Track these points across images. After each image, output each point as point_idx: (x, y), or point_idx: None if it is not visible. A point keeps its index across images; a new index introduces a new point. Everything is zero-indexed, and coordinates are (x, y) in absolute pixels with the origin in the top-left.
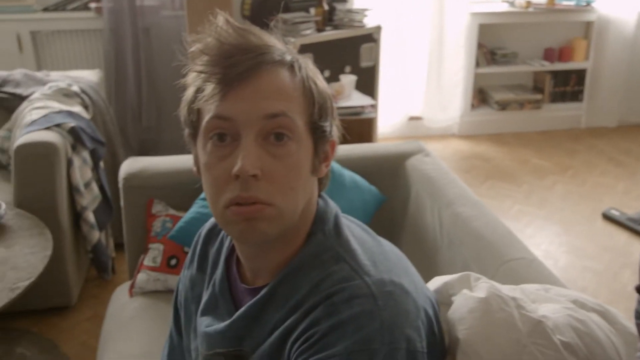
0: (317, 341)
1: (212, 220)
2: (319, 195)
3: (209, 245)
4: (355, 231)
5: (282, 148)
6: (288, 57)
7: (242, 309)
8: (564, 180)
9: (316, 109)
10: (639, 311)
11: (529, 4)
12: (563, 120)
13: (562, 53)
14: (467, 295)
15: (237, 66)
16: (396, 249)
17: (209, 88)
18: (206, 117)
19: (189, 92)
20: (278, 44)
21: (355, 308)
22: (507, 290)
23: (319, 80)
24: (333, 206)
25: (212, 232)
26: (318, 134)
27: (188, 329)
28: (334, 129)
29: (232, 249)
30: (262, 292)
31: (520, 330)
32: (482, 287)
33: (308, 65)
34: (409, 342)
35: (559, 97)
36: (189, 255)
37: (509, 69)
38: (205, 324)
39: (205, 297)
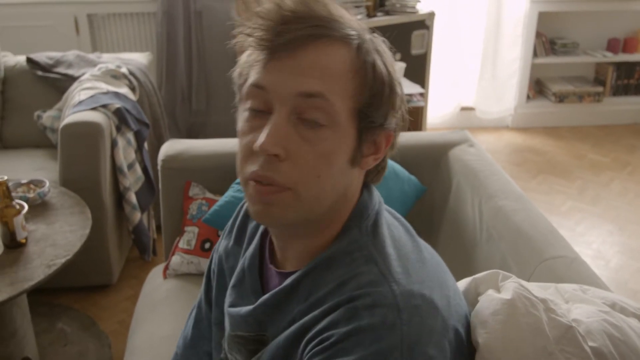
0: (332, 345)
1: None
2: (364, 185)
3: (249, 219)
4: (396, 232)
5: (315, 132)
6: (352, 34)
7: (266, 296)
8: (621, 177)
9: (367, 96)
10: None
11: None
12: (625, 115)
13: (626, 44)
14: (492, 296)
15: (284, 35)
16: (437, 257)
17: (255, 54)
18: (247, 83)
19: (243, 56)
20: (347, 18)
21: (376, 317)
22: (537, 290)
23: (383, 65)
24: (377, 200)
25: None
26: (364, 123)
27: (219, 301)
28: (391, 120)
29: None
30: (287, 281)
31: (548, 336)
32: (509, 287)
33: (377, 47)
34: None
35: (621, 90)
36: (229, 225)
37: (569, 59)
38: (229, 302)
39: (236, 271)
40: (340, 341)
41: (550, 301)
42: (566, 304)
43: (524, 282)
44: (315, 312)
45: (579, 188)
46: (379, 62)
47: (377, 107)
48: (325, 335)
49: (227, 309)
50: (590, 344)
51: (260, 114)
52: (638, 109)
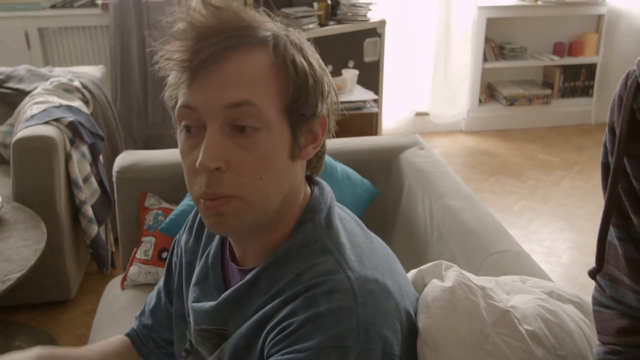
0: (292, 332)
1: None
2: (315, 182)
3: None
4: (348, 224)
5: (249, 138)
6: (267, 36)
7: (227, 292)
8: (570, 176)
9: (292, 91)
10: (596, 298)
11: None
12: (573, 116)
13: (572, 47)
14: (434, 284)
15: (201, 53)
16: (387, 247)
17: (179, 75)
18: (177, 105)
19: (170, 78)
20: (260, 21)
21: (333, 302)
22: (478, 280)
23: (302, 58)
24: (328, 195)
25: None
26: (295, 117)
27: (180, 292)
28: (322, 107)
29: None
30: (247, 277)
31: (485, 319)
32: (450, 275)
33: (294, 42)
34: (385, 343)
35: (569, 92)
36: (189, 220)
37: (518, 63)
38: (193, 297)
39: (197, 268)
40: (300, 327)
41: (489, 289)
42: (506, 295)
43: (465, 272)
44: (276, 302)
45: (531, 188)
46: (297, 56)
47: (304, 100)
48: (285, 323)
49: (191, 304)
50: (526, 327)
51: (196, 132)
52: (585, 110)
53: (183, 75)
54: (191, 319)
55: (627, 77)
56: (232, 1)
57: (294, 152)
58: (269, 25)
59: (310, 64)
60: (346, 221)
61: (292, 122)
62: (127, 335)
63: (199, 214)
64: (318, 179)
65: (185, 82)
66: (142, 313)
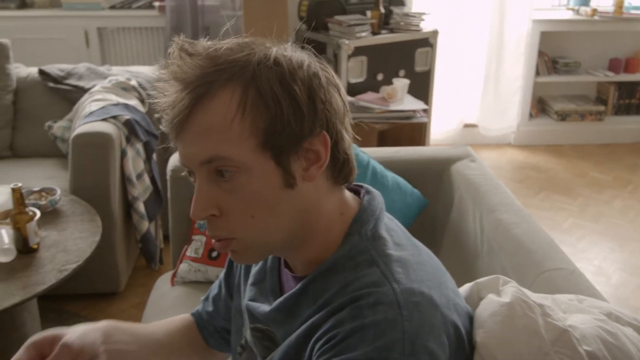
0: (338, 342)
1: None
2: (366, 191)
3: None
4: (396, 236)
5: (230, 183)
6: (232, 75)
7: (279, 300)
8: (623, 195)
9: (265, 125)
10: None
11: (594, 12)
12: (626, 134)
13: (628, 64)
14: (491, 299)
15: (175, 115)
16: (436, 260)
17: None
18: None
19: None
20: (226, 56)
21: (378, 314)
22: (535, 297)
23: (280, 86)
24: (378, 206)
25: None
26: (276, 150)
27: (239, 290)
28: (315, 126)
29: None
30: (296, 288)
31: (543, 337)
32: (508, 291)
33: (269, 64)
34: (431, 356)
35: (623, 109)
36: None
37: (571, 78)
38: (250, 296)
39: (255, 268)
40: (346, 338)
41: (547, 307)
42: (563, 314)
43: (524, 289)
44: (322, 312)
45: (581, 205)
46: (270, 86)
47: (282, 129)
48: (331, 333)
49: (247, 303)
50: (585, 347)
51: (194, 179)
52: (639, 128)
53: (170, 133)
54: (246, 317)
55: None
56: (214, 41)
57: (287, 181)
58: (238, 55)
59: (288, 87)
60: (394, 233)
61: (275, 154)
62: (192, 315)
63: None
64: (369, 188)
65: (173, 140)
66: (207, 298)
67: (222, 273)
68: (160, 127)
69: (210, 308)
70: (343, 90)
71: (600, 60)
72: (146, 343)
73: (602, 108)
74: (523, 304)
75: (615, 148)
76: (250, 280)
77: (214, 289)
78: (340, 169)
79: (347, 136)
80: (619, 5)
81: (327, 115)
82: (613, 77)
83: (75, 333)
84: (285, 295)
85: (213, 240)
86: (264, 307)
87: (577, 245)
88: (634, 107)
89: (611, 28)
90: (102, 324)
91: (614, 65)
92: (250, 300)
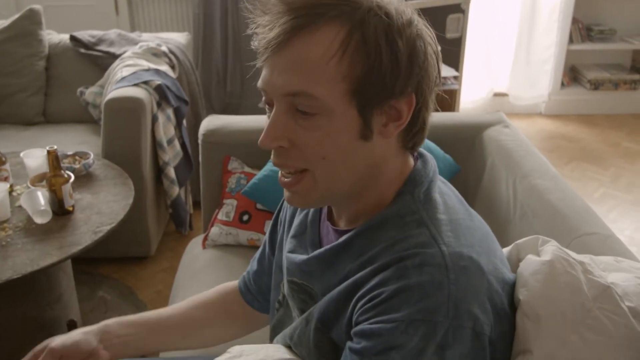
0: (381, 302)
1: None
2: (420, 155)
3: None
4: (449, 200)
5: (310, 121)
6: (342, 13)
7: (319, 250)
8: None
9: (361, 73)
10: None
11: None
12: None
13: None
14: (532, 259)
15: (272, 31)
16: (487, 227)
17: (260, 52)
18: None
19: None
20: None
21: (424, 276)
22: (576, 255)
23: (385, 36)
24: (431, 169)
25: None
26: (364, 100)
27: (282, 245)
28: (407, 86)
29: None
30: (340, 240)
31: (586, 294)
32: (548, 250)
33: (380, 15)
34: (475, 322)
35: None
36: None
37: (606, 46)
38: (289, 248)
39: (296, 221)
40: (390, 298)
41: (587, 264)
42: (603, 272)
43: (563, 248)
44: (367, 270)
45: (613, 175)
46: (376, 35)
47: (376, 82)
48: (375, 292)
49: (287, 254)
50: (628, 303)
51: (270, 109)
52: None
53: (262, 54)
54: (284, 269)
55: None
56: None
57: (365, 133)
58: None
59: (393, 42)
60: (448, 196)
61: (361, 104)
62: (239, 282)
63: None
64: (423, 151)
65: (263, 61)
66: (254, 259)
67: (267, 232)
68: (252, 44)
69: (256, 267)
70: (440, 59)
71: (637, 27)
72: (158, 324)
73: (637, 77)
74: (564, 262)
75: None
76: (292, 232)
77: (259, 250)
78: (414, 135)
79: (431, 106)
80: None
81: (420, 80)
82: None
83: (61, 338)
84: (327, 247)
85: (281, 177)
86: (302, 257)
87: (608, 215)
88: None
89: None
90: (99, 325)
91: None
92: (290, 252)
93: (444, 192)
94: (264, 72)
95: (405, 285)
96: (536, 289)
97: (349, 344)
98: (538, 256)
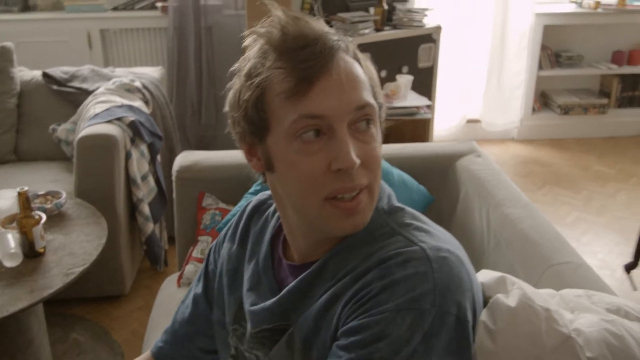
0: (368, 300)
1: (258, 197)
2: None
3: (252, 223)
4: (409, 210)
5: (368, 133)
6: (342, 41)
7: (292, 283)
8: (627, 188)
9: (376, 90)
10: None
11: (597, 4)
12: (630, 126)
13: (631, 56)
14: (498, 300)
15: (314, 59)
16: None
17: (287, 85)
18: (291, 116)
19: (250, 91)
20: (330, 28)
21: (409, 269)
22: (542, 299)
23: (363, 58)
24: (385, 186)
25: (257, 210)
26: (382, 114)
27: (220, 302)
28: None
29: (278, 230)
30: (313, 266)
31: (544, 345)
32: (515, 294)
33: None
34: (459, 309)
35: (626, 102)
36: (230, 229)
37: (574, 72)
38: (250, 302)
39: (247, 275)
40: (377, 295)
41: (554, 311)
42: (571, 314)
43: (531, 290)
44: (345, 279)
45: (585, 199)
46: (361, 56)
47: (379, 96)
48: (361, 294)
49: (249, 309)
50: (588, 354)
51: (317, 139)
52: None
53: (298, 85)
54: (248, 323)
55: None
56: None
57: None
58: (332, 30)
59: (368, 63)
60: (409, 208)
61: (380, 115)
62: (154, 354)
63: (242, 222)
64: None
65: (301, 91)
66: (174, 325)
67: (193, 291)
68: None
69: (185, 331)
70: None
71: (603, 53)
72: None
73: (605, 101)
74: (528, 309)
75: (619, 141)
76: (246, 286)
77: (183, 312)
78: None
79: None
80: None
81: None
82: (616, 69)
83: None
84: (299, 277)
85: (333, 201)
86: (272, 300)
87: (581, 239)
88: (637, 99)
89: (614, 20)
90: None
91: (617, 58)
92: (252, 305)
93: (403, 205)
94: (310, 101)
95: (391, 280)
96: (494, 339)
97: (336, 343)
98: (507, 297)
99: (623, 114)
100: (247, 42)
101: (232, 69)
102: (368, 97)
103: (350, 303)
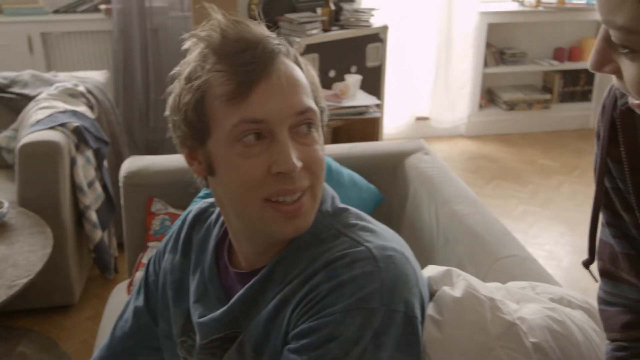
0: (317, 302)
1: (198, 206)
2: None
3: (194, 232)
4: (353, 210)
5: (310, 136)
6: (284, 46)
7: (241, 291)
8: (571, 180)
9: (317, 95)
10: (600, 297)
11: (539, 2)
12: (572, 121)
13: (572, 53)
14: (444, 292)
15: (254, 63)
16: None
17: (227, 88)
18: (231, 120)
19: (190, 94)
20: (270, 33)
21: (355, 270)
22: (487, 290)
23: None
24: (329, 188)
25: (199, 219)
26: (323, 117)
27: (165, 314)
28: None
29: (221, 237)
30: (261, 272)
31: (489, 332)
32: (460, 285)
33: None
34: (407, 306)
35: (568, 97)
36: (171, 239)
37: (518, 68)
38: (198, 314)
39: (193, 286)
40: (325, 297)
41: (498, 300)
42: (517, 304)
43: (476, 281)
44: (293, 283)
45: (531, 192)
46: (303, 61)
47: (320, 100)
48: (309, 297)
49: (198, 321)
50: (532, 339)
51: (258, 142)
52: (584, 114)
53: (238, 88)
54: (197, 335)
55: (610, 88)
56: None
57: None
58: (272, 34)
59: (309, 67)
60: (353, 209)
61: (322, 121)
62: None
63: (184, 231)
64: None
65: (241, 94)
66: (112, 340)
67: (132, 304)
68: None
69: (124, 345)
70: None
71: (545, 50)
72: None
73: (548, 96)
74: (473, 299)
75: (562, 135)
76: (193, 297)
77: (123, 326)
78: None
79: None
80: None
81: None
82: (558, 65)
83: None
84: (247, 285)
85: (274, 204)
86: (221, 310)
87: (528, 231)
88: (578, 94)
89: (555, 18)
90: None
91: (558, 55)
92: (200, 317)
93: (347, 206)
94: (251, 105)
95: (338, 282)
96: (441, 329)
97: (287, 347)
98: (452, 289)
99: (565, 108)
100: (187, 45)
101: (172, 72)
102: (309, 101)
103: (300, 306)
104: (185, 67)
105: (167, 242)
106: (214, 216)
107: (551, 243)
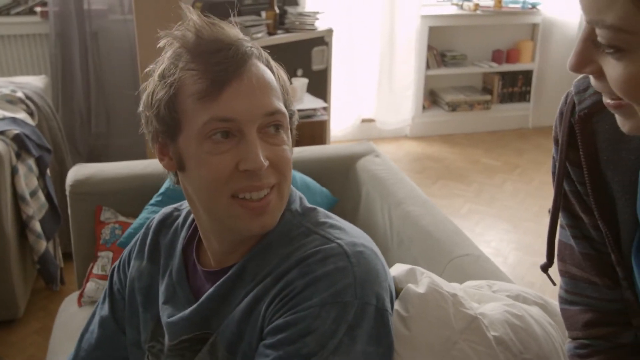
0: (292, 298)
1: (163, 211)
2: None
3: (161, 237)
4: (321, 210)
5: (278, 137)
6: (256, 48)
7: (211, 289)
8: (513, 178)
9: (287, 98)
10: (561, 297)
11: (477, 6)
12: (511, 120)
13: (509, 55)
14: (410, 290)
15: (227, 63)
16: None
17: (199, 87)
18: (202, 118)
19: (163, 90)
20: (244, 36)
21: (329, 266)
22: (450, 286)
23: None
24: (295, 190)
25: (164, 224)
26: (292, 121)
27: (134, 321)
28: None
29: (189, 239)
30: (231, 270)
31: (453, 327)
32: (424, 282)
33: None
34: (379, 300)
35: (507, 97)
36: (136, 246)
37: (459, 70)
38: (167, 314)
39: (162, 288)
40: (300, 292)
41: (460, 296)
42: (477, 304)
43: (437, 278)
44: (266, 281)
45: (476, 191)
46: (274, 65)
47: (290, 104)
48: (284, 293)
49: (167, 321)
50: (493, 333)
51: (227, 140)
52: (523, 114)
53: (210, 87)
54: (166, 337)
55: (567, 95)
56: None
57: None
58: (245, 37)
59: (280, 71)
60: (320, 208)
61: (291, 124)
62: None
63: (149, 236)
64: None
65: (212, 93)
66: (79, 352)
67: (99, 314)
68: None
69: (93, 356)
70: None
71: (484, 52)
72: None
73: (488, 97)
74: (437, 295)
75: (502, 134)
76: (162, 299)
77: (90, 338)
78: None
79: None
80: (499, 0)
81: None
82: (496, 67)
83: None
84: (217, 283)
85: (241, 202)
86: (190, 308)
87: (474, 229)
88: (516, 95)
89: (492, 22)
90: None
91: (496, 57)
92: (170, 317)
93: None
94: (222, 104)
95: (313, 277)
96: (408, 326)
97: (262, 343)
98: (417, 286)
99: (504, 109)
100: (161, 43)
101: (146, 69)
102: (278, 104)
103: (274, 303)
104: (159, 64)
105: (130, 249)
106: (180, 219)
107: (497, 240)
